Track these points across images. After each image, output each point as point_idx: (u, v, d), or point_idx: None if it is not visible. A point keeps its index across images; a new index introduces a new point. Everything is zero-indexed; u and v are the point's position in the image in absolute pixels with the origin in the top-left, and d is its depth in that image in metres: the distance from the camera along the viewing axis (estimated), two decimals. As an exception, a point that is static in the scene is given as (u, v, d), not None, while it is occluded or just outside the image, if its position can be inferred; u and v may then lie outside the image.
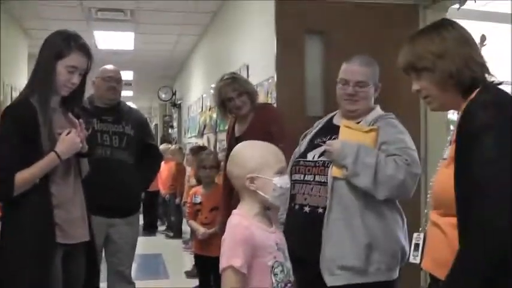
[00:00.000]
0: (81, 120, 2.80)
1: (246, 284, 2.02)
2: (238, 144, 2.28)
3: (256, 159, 2.12)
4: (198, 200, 4.61)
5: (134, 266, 7.37)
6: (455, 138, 1.83)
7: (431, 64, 1.89)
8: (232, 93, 3.73)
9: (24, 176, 2.58)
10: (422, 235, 2.13)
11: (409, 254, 2.21)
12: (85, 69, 2.77)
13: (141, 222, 10.65)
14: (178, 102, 13.73)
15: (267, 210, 2.20)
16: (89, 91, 3.90)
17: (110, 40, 9.96)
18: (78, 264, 2.81)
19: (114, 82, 3.95)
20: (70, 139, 2.69)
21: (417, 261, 2.12)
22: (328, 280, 2.62)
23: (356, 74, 2.82)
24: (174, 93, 14.17)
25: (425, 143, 4.29)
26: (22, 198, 2.60)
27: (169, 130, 15.73)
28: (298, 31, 4.12)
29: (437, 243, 1.93)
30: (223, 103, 3.82)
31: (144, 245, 9.21)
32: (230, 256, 1.99)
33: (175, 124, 14.74)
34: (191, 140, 10.57)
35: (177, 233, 9.50)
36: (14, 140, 2.60)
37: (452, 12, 4.45)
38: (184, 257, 7.75)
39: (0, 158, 2.64)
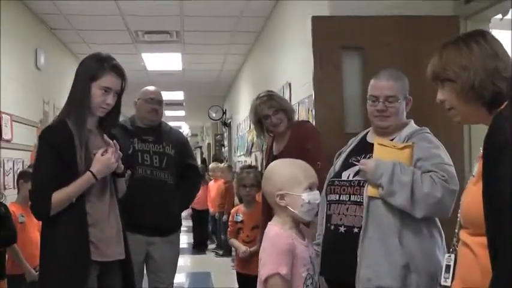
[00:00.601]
0: (115, 141, 2.85)
1: None
2: (271, 163, 2.41)
3: (285, 176, 2.25)
4: (240, 218, 4.60)
5: (184, 284, 7.51)
6: (482, 153, 1.77)
7: (454, 75, 1.85)
8: (268, 110, 3.72)
9: (60, 196, 2.66)
10: (453, 256, 2.05)
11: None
12: (119, 90, 2.83)
13: (191, 240, 10.78)
14: (228, 121, 13.83)
15: (300, 224, 2.31)
16: (131, 111, 3.98)
17: (159, 62, 10.14)
18: (113, 282, 2.86)
19: (156, 104, 4.01)
20: (105, 159, 2.76)
21: (448, 283, 2.05)
22: None
23: (384, 89, 2.77)
24: (224, 112, 14.28)
25: (469, 158, 4.16)
26: (58, 217, 2.68)
27: (222, 149, 15.85)
28: (335, 48, 4.08)
29: (467, 264, 1.86)
30: (259, 121, 3.82)
31: (193, 263, 9.33)
32: (275, 264, 2.09)
33: (226, 143, 14.85)
34: (240, 158, 10.62)
35: (226, 251, 9.52)
36: (50, 161, 2.69)
37: (496, 23, 4.34)
38: (233, 275, 7.72)
39: (37, 178, 2.75)
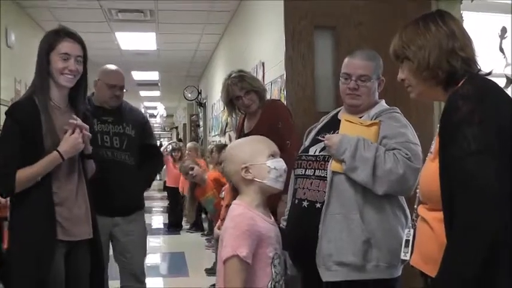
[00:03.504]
0: (80, 121, 2.81)
1: (249, 274, 2.06)
2: (228, 145, 2.36)
3: (246, 150, 2.25)
4: (222, 195, 4.61)
5: (156, 263, 7.53)
6: (438, 131, 1.81)
7: (412, 54, 1.92)
8: (239, 91, 3.71)
9: (26, 173, 2.64)
10: (412, 231, 2.13)
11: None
12: (80, 57, 2.82)
13: (167, 221, 10.78)
14: (204, 101, 13.81)
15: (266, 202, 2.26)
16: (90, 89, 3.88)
17: (133, 41, 10.06)
18: (81, 261, 2.85)
19: (118, 90, 3.83)
20: (73, 139, 2.73)
21: (407, 257, 2.12)
22: (325, 275, 2.60)
23: (358, 68, 2.78)
24: (199, 93, 14.25)
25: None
26: (24, 196, 2.67)
27: (198, 129, 15.83)
28: (308, 27, 4.08)
29: (425, 238, 1.92)
30: (231, 101, 3.82)
31: (167, 243, 9.33)
32: (235, 245, 2.02)
33: (201, 123, 14.83)
34: (215, 138, 10.61)
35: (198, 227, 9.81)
36: (16, 138, 2.67)
37: (467, 5, 4.38)
38: (206, 255, 7.77)
39: (1, 154, 2.71)
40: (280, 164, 2.22)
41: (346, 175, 2.61)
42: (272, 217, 2.27)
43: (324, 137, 2.75)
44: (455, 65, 1.85)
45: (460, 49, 1.86)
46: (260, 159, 2.19)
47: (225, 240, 2.07)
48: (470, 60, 1.87)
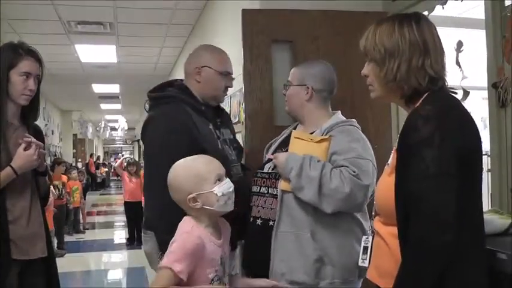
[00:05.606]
0: (33, 138, 2.74)
1: None
2: (171, 169, 2.17)
3: (191, 178, 2.10)
4: None
5: (120, 279, 7.42)
6: (397, 147, 1.82)
7: (380, 60, 1.86)
8: None
9: None
10: (370, 238, 2.11)
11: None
12: (39, 75, 2.78)
13: (126, 235, 10.63)
14: (165, 114, 13.71)
15: (217, 220, 2.19)
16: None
17: (93, 53, 9.96)
18: (36, 280, 2.79)
19: (230, 80, 2.98)
20: (28, 155, 2.67)
21: (365, 264, 2.11)
22: None
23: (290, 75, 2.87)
24: (160, 106, 14.11)
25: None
26: None
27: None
28: (266, 41, 4.08)
29: (380, 253, 1.93)
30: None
31: (129, 258, 9.19)
32: (174, 259, 1.97)
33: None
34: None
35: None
36: None
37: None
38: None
39: None
40: (227, 186, 2.12)
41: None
42: (222, 237, 2.18)
43: (273, 155, 2.72)
44: (422, 83, 1.82)
45: (430, 66, 1.82)
46: (207, 186, 2.09)
47: (170, 249, 2.03)
48: (438, 75, 1.84)
